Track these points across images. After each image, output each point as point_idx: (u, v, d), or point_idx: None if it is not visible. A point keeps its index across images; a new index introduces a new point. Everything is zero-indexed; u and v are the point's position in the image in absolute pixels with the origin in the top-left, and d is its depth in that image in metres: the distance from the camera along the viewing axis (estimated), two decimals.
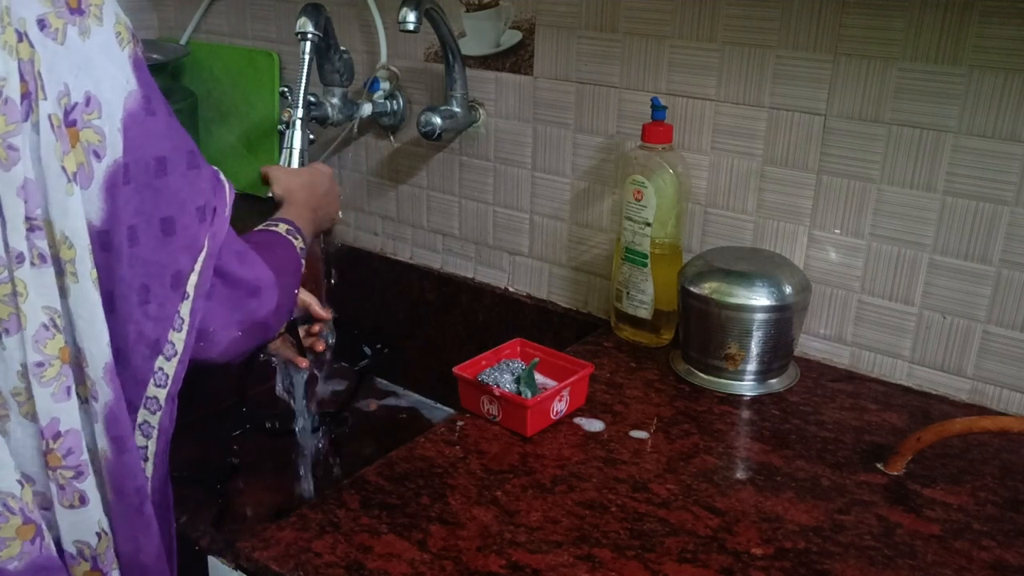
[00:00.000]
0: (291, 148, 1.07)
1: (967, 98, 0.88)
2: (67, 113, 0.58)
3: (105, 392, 0.63)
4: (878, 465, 0.83)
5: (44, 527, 0.63)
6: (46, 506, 0.64)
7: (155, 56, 1.38)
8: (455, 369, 0.91)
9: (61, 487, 0.63)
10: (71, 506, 0.63)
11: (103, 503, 0.66)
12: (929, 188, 0.92)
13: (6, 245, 0.58)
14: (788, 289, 0.93)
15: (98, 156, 0.60)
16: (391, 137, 1.33)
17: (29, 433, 0.62)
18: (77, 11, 0.59)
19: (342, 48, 1.21)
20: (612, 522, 0.74)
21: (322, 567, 0.68)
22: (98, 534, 0.65)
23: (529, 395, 0.89)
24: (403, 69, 1.28)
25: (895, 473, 0.81)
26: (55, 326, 0.60)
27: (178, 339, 0.67)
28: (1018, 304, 0.90)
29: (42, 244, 0.59)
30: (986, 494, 0.79)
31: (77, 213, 0.59)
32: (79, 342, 0.62)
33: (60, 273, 0.60)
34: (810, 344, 1.04)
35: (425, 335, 1.37)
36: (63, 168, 0.58)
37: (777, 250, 1.02)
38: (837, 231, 0.99)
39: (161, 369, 0.67)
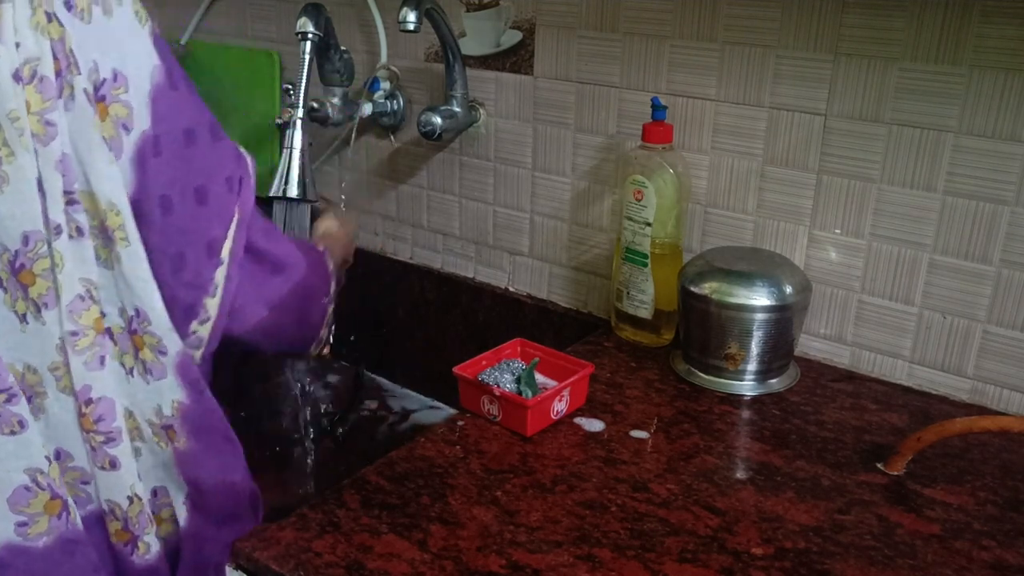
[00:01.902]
0: (291, 148, 1.08)
1: (967, 98, 0.88)
2: (96, 89, 0.61)
3: (174, 342, 0.66)
4: (878, 465, 0.83)
5: (70, 502, 0.64)
6: (85, 480, 0.66)
7: None
8: (455, 369, 0.91)
9: (93, 449, 0.65)
10: (102, 467, 0.65)
11: (173, 456, 0.68)
12: (929, 188, 0.92)
13: (46, 219, 0.60)
14: (788, 289, 0.93)
15: (127, 129, 0.63)
16: (391, 137, 1.33)
17: (67, 408, 0.64)
18: None
19: (342, 48, 1.21)
20: (612, 522, 0.74)
21: (322, 567, 0.68)
22: (129, 498, 0.67)
23: (529, 395, 0.89)
24: (403, 69, 1.28)
25: (895, 473, 0.81)
26: (91, 297, 0.62)
27: (212, 304, 0.69)
28: (1018, 304, 0.90)
29: (80, 217, 0.61)
30: (986, 494, 0.79)
31: (120, 180, 0.62)
32: (138, 304, 0.64)
33: (109, 241, 0.62)
34: (810, 344, 1.04)
35: (425, 335, 1.37)
36: (103, 138, 0.61)
37: (777, 250, 1.02)
38: (837, 231, 0.99)
39: (195, 332, 0.69)
